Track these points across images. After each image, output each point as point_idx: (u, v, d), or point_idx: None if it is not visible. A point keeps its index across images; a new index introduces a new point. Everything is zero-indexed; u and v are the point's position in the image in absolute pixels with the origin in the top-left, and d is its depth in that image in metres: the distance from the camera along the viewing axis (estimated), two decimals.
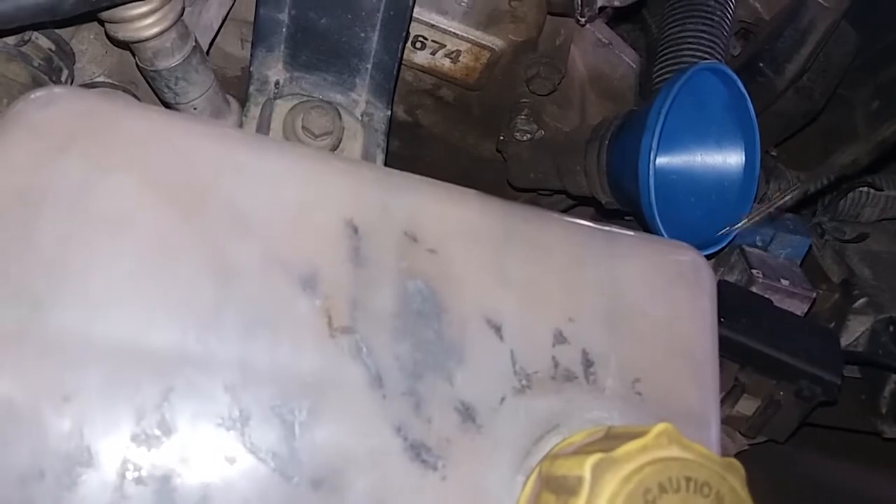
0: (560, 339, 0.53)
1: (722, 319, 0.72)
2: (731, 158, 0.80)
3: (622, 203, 0.78)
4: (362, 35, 0.64)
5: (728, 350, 0.72)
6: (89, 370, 0.41)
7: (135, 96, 0.76)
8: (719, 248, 0.76)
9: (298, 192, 0.49)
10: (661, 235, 0.70)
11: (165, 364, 0.43)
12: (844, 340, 0.88)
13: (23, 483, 0.39)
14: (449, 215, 0.53)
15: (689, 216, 0.80)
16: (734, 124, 0.79)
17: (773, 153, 1.27)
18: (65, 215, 0.44)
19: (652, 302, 0.57)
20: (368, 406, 0.46)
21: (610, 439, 0.48)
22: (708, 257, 0.83)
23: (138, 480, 0.41)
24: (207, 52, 0.76)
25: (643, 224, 0.74)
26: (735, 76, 0.76)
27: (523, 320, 0.53)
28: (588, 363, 0.54)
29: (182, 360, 0.43)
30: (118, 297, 0.43)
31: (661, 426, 0.46)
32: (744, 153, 0.79)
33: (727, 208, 0.79)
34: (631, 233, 0.60)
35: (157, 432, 0.42)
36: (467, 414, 0.48)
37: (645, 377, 0.55)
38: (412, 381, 0.48)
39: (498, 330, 0.51)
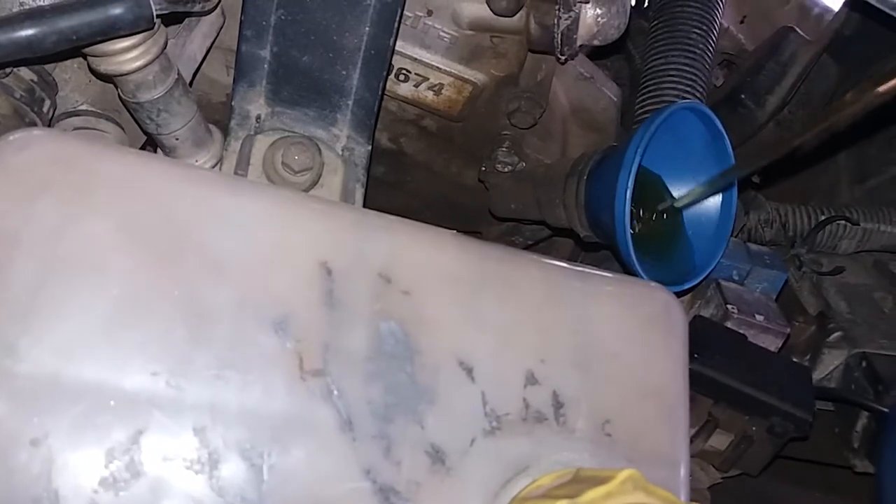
0: (531, 380, 0.54)
1: (696, 355, 0.73)
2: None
3: (600, 237, 0.79)
4: (343, 73, 0.65)
5: (702, 385, 0.73)
6: (59, 414, 0.42)
7: (118, 124, 0.77)
8: (695, 282, 0.77)
9: (273, 235, 0.50)
10: (637, 271, 0.71)
11: (136, 407, 0.43)
12: (818, 374, 0.89)
13: None
14: (424, 257, 0.54)
15: (667, 250, 0.81)
16: (712, 161, 0.80)
17: (756, 180, 1.28)
18: (38, 259, 0.44)
19: (624, 343, 0.58)
20: (338, 449, 0.47)
21: (577, 483, 0.49)
22: (685, 291, 0.85)
23: None
24: (191, 83, 0.77)
25: (619, 259, 0.75)
26: (713, 115, 0.77)
27: (495, 362, 0.53)
28: (559, 404, 0.54)
29: (152, 403, 0.44)
30: (90, 342, 0.43)
31: (626, 472, 0.47)
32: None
33: (704, 244, 0.80)
34: (604, 273, 0.61)
35: (126, 475, 0.42)
36: (437, 456, 0.49)
37: (615, 418, 0.55)
38: (383, 423, 0.48)
39: (470, 372, 0.52)
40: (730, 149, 0.79)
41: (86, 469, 0.41)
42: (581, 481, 0.49)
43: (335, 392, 0.48)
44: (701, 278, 0.77)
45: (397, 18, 0.62)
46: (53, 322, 0.43)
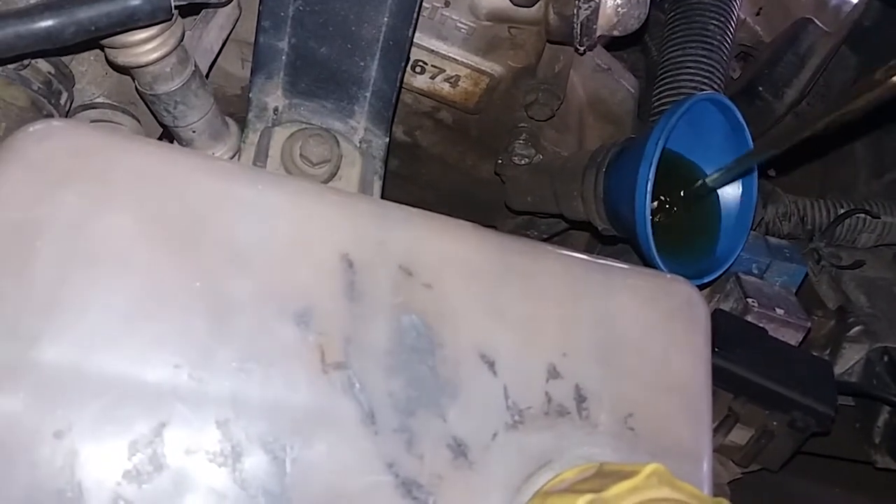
0: (554, 374, 0.53)
1: (716, 349, 0.72)
2: (728, 187, 0.80)
3: (619, 230, 0.78)
4: (361, 64, 0.64)
5: (722, 380, 0.72)
6: (82, 406, 0.41)
7: (134, 117, 0.76)
8: (715, 276, 0.76)
9: (294, 227, 0.49)
10: (657, 265, 0.70)
11: (158, 400, 0.43)
12: (839, 368, 0.88)
13: None
14: (445, 249, 0.53)
15: (687, 244, 0.80)
16: (732, 153, 0.79)
17: (772, 173, 1.27)
18: (60, 251, 0.44)
19: (646, 336, 0.57)
20: (360, 442, 0.46)
21: (601, 477, 0.49)
22: (705, 285, 0.84)
23: None
24: (207, 75, 0.77)
25: (639, 252, 0.74)
26: (733, 106, 0.76)
27: (517, 355, 0.53)
28: (581, 398, 0.54)
29: (175, 395, 0.43)
30: (112, 334, 0.43)
31: (651, 466, 0.46)
32: (741, 181, 0.80)
33: (724, 237, 0.79)
34: (626, 266, 0.60)
35: (149, 468, 0.42)
36: (459, 450, 0.49)
37: (638, 412, 0.55)
38: (405, 417, 0.48)
39: (492, 365, 0.52)
40: (750, 140, 0.78)
41: (109, 461, 0.41)
42: (605, 476, 0.48)
43: (357, 385, 0.47)
44: (721, 271, 0.76)
45: (417, 9, 0.62)
46: (76, 314, 0.43)
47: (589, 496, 0.45)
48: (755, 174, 0.79)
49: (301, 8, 0.62)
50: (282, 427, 0.45)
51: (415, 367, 0.49)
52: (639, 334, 0.57)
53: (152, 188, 0.47)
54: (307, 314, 0.47)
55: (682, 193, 0.79)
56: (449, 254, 0.54)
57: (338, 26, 0.63)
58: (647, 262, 0.72)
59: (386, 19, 0.62)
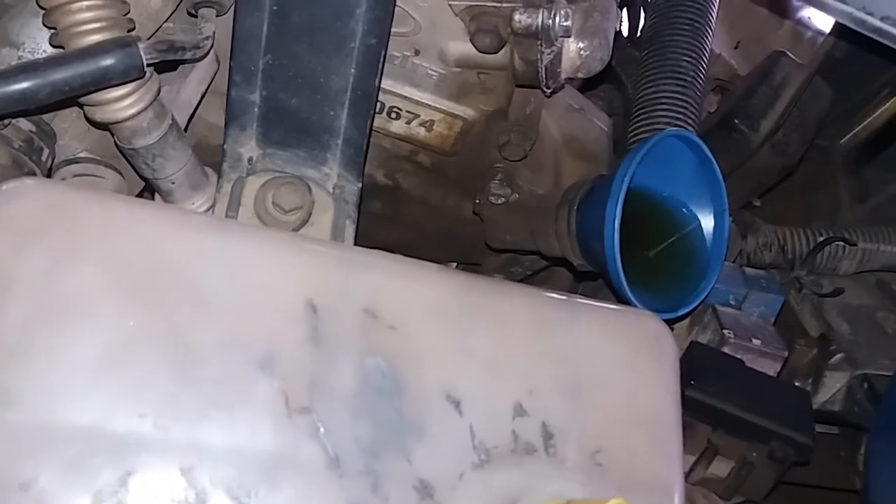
0: (520, 411, 0.54)
1: (692, 381, 0.73)
2: (703, 220, 0.82)
3: (593, 265, 0.80)
4: (332, 113, 0.66)
5: (699, 412, 0.73)
6: (49, 457, 0.43)
7: (117, 170, 0.78)
8: (689, 309, 0.77)
9: (260, 275, 0.51)
10: (629, 299, 0.71)
11: (124, 449, 0.44)
12: (821, 397, 0.88)
13: None
14: (409, 291, 0.55)
15: (662, 278, 0.81)
16: (704, 186, 0.81)
17: (757, 203, 1.28)
18: (30, 305, 0.45)
19: (613, 371, 0.58)
20: (325, 486, 0.47)
21: None
22: (681, 318, 0.85)
23: None
24: (186, 128, 0.79)
25: (612, 287, 0.75)
26: (700, 142, 0.78)
27: (483, 394, 0.54)
28: (548, 435, 0.54)
29: (140, 444, 0.44)
30: (79, 385, 0.44)
31: (614, 501, 0.47)
32: (712, 216, 0.81)
33: (699, 270, 0.80)
34: (592, 302, 0.62)
35: None
36: (425, 491, 0.49)
37: (606, 447, 0.56)
38: (370, 459, 0.49)
39: (457, 405, 0.52)
40: (718, 173, 0.79)
41: None
42: None
43: (322, 429, 0.48)
44: (695, 305, 0.77)
45: (381, 59, 0.64)
46: (44, 366, 0.44)
47: None
48: (726, 209, 0.80)
49: (270, 62, 0.64)
50: (246, 472, 0.46)
51: (380, 410, 0.50)
52: (605, 370, 0.58)
53: (121, 241, 0.48)
54: (271, 360, 0.49)
55: (654, 229, 0.80)
56: (414, 295, 0.55)
57: (307, 78, 0.65)
58: (621, 297, 0.73)
59: (353, 70, 0.64)
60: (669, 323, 0.74)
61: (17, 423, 0.43)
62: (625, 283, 0.71)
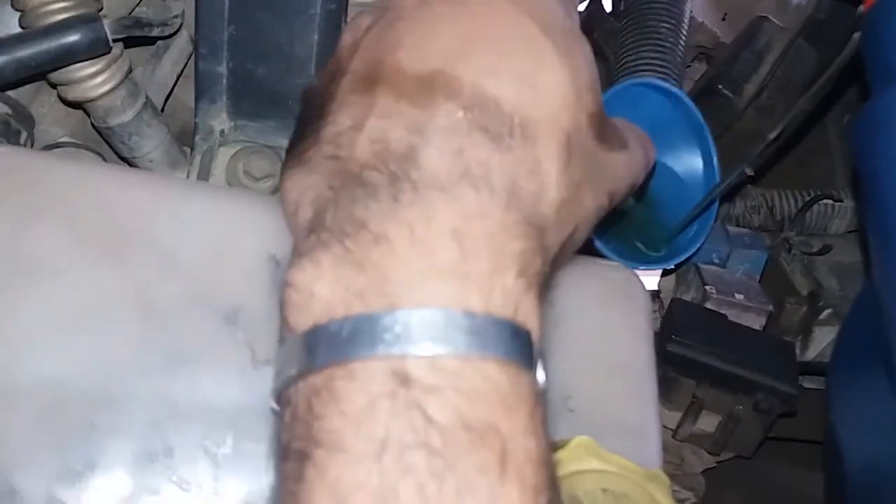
0: None
1: (673, 336, 0.73)
2: (689, 163, 0.81)
3: None
4: (298, 81, 0.67)
5: (682, 367, 0.73)
6: (14, 411, 0.43)
7: (98, 153, 0.79)
8: (687, 255, 0.76)
9: (222, 231, 0.51)
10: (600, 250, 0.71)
11: (89, 403, 0.45)
12: (812, 352, 0.88)
13: None
14: None
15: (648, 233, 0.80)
16: (686, 131, 0.81)
17: (751, 172, 1.28)
18: None
19: (584, 320, 0.59)
20: None
21: None
22: (667, 272, 0.84)
23: None
24: (163, 108, 0.80)
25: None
26: (660, 83, 0.78)
27: None
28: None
29: (106, 398, 0.45)
30: (43, 341, 0.45)
31: (578, 439, 0.47)
32: (699, 153, 0.80)
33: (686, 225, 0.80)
34: None
35: (81, 468, 0.43)
36: None
37: (577, 394, 0.56)
38: None
39: None
40: (695, 110, 0.79)
41: (41, 463, 0.43)
42: None
43: None
44: (693, 251, 0.76)
45: (343, 24, 0.65)
46: (7, 323, 0.45)
47: None
48: (710, 142, 0.80)
49: (234, 32, 0.65)
50: (214, 424, 0.47)
51: None
52: (576, 318, 0.58)
53: (81, 200, 0.49)
54: (236, 313, 0.49)
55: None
56: None
57: (271, 47, 0.65)
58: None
59: (316, 37, 0.65)
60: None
61: None
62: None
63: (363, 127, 0.28)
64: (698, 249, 0.84)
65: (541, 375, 0.28)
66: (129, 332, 0.47)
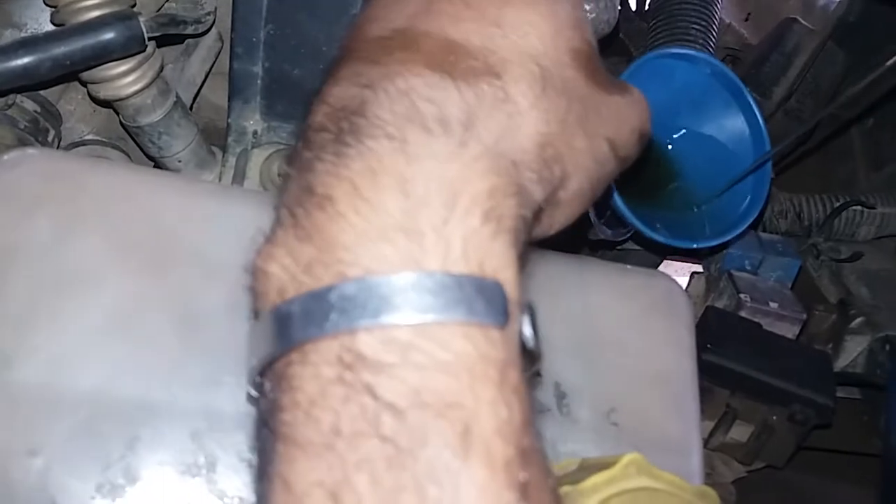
0: None
1: (709, 346, 0.71)
2: (734, 126, 0.79)
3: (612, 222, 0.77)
4: None
5: (716, 376, 0.71)
6: (56, 423, 0.42)
7: (124, 152, 0.78)
8: (745, 225, 0.74)
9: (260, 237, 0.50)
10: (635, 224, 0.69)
11: (131, 415, 0.44)
12: (842, 361, 0.87)
13: None
14: None
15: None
16: (726, 98, 0.79)
17: (772, 174, 1.27)
18: (34, 272, 0.45)
19: (626, 331, 0.57)
20: None
21: (582, 471, 0.48)
22: (733, 239, 0.80)
23: None
24: (191, 106, 0.79)
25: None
26: (688, 51, 0.77)
27: None
28: (561, 395, 0.54)
29: (148, 410, 0.44)
30: (85, 352, 0.44)
31: (629, 456, 0.46)
32: (743, 117, 0.78)
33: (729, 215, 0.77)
34: (603, 262, 0.61)
35: (122, 481, 0.42)
36: None
37: (620, 407, 0.55)
38: None
39: None
40: (734, 77, 0.78)
41: (82, 476, 0.42)
42: (585, 469, 0.48)
43: None
44: (752, 219, 0.74)
45: None
46: (49, 333, 0.44)
47: (567, 488, 0.45)
48: (755, 108, 0.78)
49: (272, 32, 0.64)
50: None
51: None
52: (618, 329, 0.57)
53: (122, 209, 0.48)
54: None
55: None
56: None
57: (308, 48, 0.64)
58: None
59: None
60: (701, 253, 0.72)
61: (22, 389, 0.42)
62: (629, 214, 0.68)
63: (324, 96, 0.28)
64: (729, 255, 0.82)
65: (526, 330, 0.26)
66: (171, 342, 0.46)
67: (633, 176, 0.74)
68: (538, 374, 0.52)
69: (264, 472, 0.23)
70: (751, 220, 0.74)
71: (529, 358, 0.25)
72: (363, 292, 0.22)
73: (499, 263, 0.24)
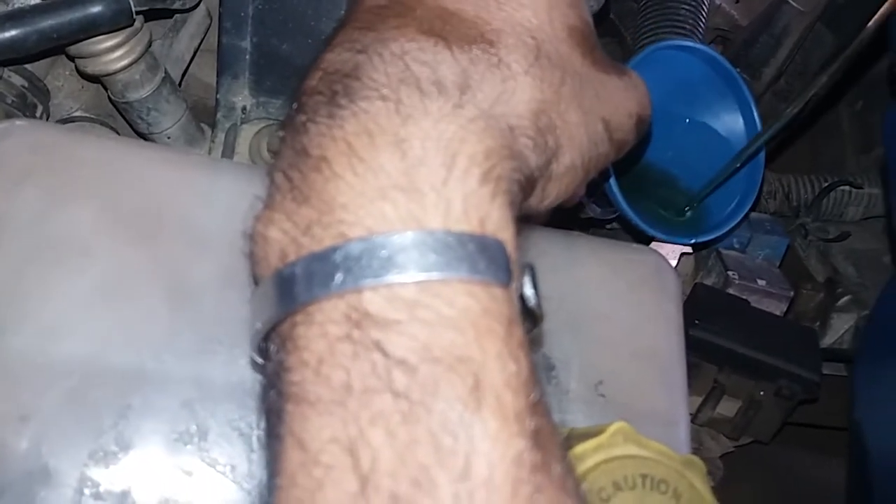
0: None
1: (697, 322, 0.72)
2: (729, 121, 0.79)
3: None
4: None
5: (705, 352, 0.72)
6: (48, 390, 0.42)
7: (112, 128, 0.78)
8: (739, 219, 0.74)
9: (250, 209, 0.50)
10: (635, 221, 0.69)
11: (123, 383, 0.44)
12: (829, 339, 0.88)
13: None
14: None
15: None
16: (722, 89, 0.79)
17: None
18: (23, 243, 0.45)
19: (614, 305, 0.58)
20: None
21: (569, 440, 0.49)
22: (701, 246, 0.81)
23: (96, 496, 0.41)
24: (180, 83, 0.78)
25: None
26: (688, 43, 0.77)
27: None
28: (549, 367, 0.54)
29: (139, 378, 0.44)
30: (76, 321, 0.44)
31: (616, 425, 0.47)
32: (739, 110, 0.79)
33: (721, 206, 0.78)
34: (591, 237, 0.61)
35: (115, 448, 0.43)
36: None
37: (608, 379, 0.55)
38: None
39: None
40: (728, 66, 0.78)
41: (75, 443, 0.42)
42: (573, 438, 0.49)
43: None
44: (744, 213, 0.75)
45: None
46: (39, 302, 0.44)
47: None
48: (751, 101, 0.78)
49: (260, 6, 0.64)
50: (247, 405, 0.46)
51: None
52: (607, 303, 0.58)
53: (112, 180, 0.48)
54: None
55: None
56: None
57: (297, 22, 0.64)
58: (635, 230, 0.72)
59: (342, 12, 0.63)
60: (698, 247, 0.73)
61: (13, 357, 0.43)
62: (623, 203, 0.69)
63: (318, 63, 0.28)
64: (746, 215, 0.80)
65: (528, 290, 0.26)
66: (162, 311, 0.46)
67: (629, 165, 0.74)
68: (541, 335, 0.53)
69: (273, 435, 0.23)
70: (746, 210, 0.75)
71: (532, 318, 0.26)
72: (368, 252, 0.23)
73: (499, 223, 0.24)
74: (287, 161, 0.26)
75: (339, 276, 0.23)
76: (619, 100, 0.33)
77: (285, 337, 0.24)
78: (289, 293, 0.23)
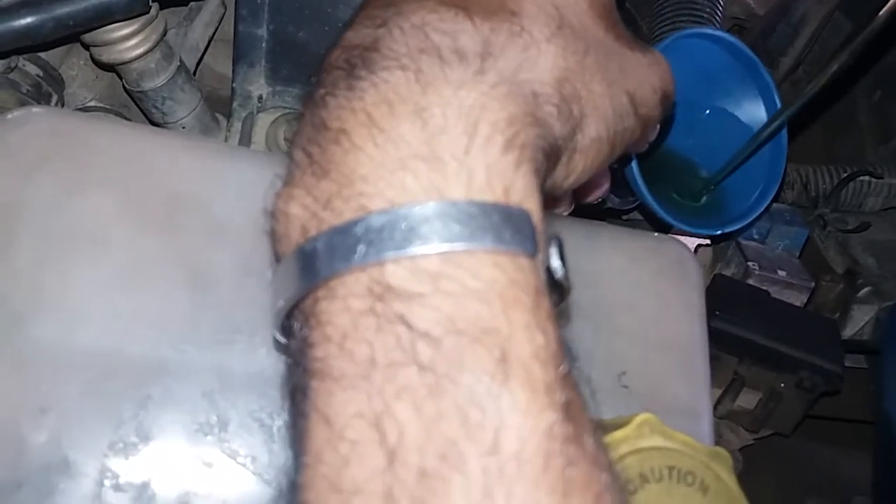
0: None
1: (717, 313, 0.71)
2: (751, 109, 0.78)
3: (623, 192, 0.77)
4: None
5: (725, 343, 0.71)
6: (67, 381, 0.42)
7: (126, 118, 0.78)
8: (762, 209, 0.73)
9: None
10: (652, 206, 0.68)
11: (143, 373, 0.43)
12: (849, 330, 0.87)
13: (0, 495, 0.39)
14: None
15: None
16: (740, 74, 0.78)
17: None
18: (41, 232, 0.45)
19: (637, 296, 0.57)
20: None
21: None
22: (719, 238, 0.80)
23: (116, 487, 0.41)
24: (195, 72, 0.78)
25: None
26: (709, 31, 0.76)
27: None
28: (572, 358, 0.53)
29: (159, 368, 0.44)
30: (95, 310, 0.44)
31: (642, 416, 0.46)
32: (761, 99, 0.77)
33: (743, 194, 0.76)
34: (613, 226, 0.60)
35: (135, 439, 0.42)
36: None
37: (631, 370, 0.54)
38: None
39: None
40: (749, 53, 0.77)
41: (95, 434, 0.42)
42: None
43: None
44: (766, 203, 0.73)
45: None
46: (58, 292, 0.43)
47: None
48: (773, 88, 0.77)
49: None
50: (268, 395, 0.45)
51: None
52: (628, 293, 0.57)
53: (130, 167, 0.47)
54: None
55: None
56: None
57: (313, 9, 0.63)
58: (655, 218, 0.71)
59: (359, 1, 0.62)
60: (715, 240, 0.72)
61: (32, 347, 0.42)
62: (646, 194, 0.67)
63: (339, 41, 0.27)
64: (769, 205, 0.79)
65: (555, 262, 0.25)
66: (180, 300, 0.45)
67: (649, 152, 0.73)
68: (568, 309, 0.52)
69: (299, 413, 0.23)
70: (769, 199, 0.73)
71: (559, 291, 0.25)
72: (390, 224, 0.22)
73: (523, 192, 0.24)
74: (306, 137, 0.25)
75: (360, 249, 0.22)
76: (644, 74, 0.32)
77: (308, 313, 0.24)
78: (310, 268, 0.23)
